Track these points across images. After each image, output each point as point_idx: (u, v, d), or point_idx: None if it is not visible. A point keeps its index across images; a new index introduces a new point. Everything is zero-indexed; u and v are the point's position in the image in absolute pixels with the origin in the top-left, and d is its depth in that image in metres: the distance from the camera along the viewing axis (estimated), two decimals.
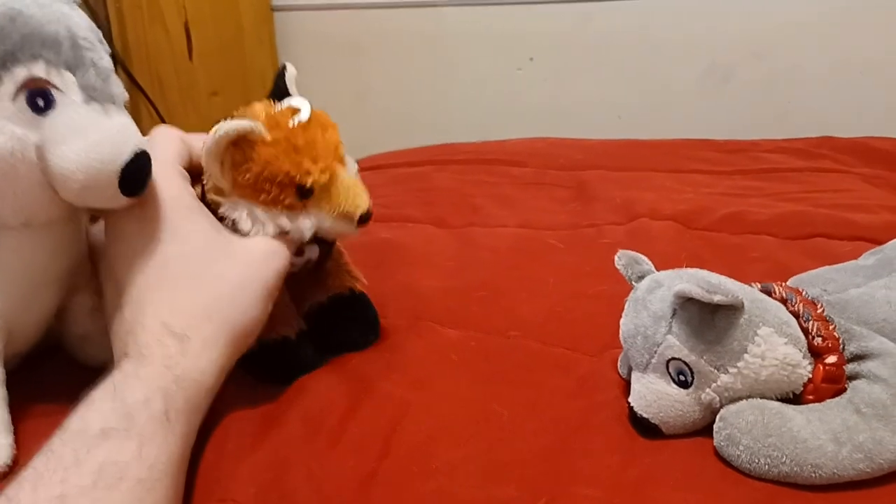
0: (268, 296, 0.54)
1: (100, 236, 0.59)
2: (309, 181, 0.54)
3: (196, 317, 0.51)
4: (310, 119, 0.55)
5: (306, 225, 0.56)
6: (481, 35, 1.95)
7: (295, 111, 0.56)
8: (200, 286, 0.52)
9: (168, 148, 0.56)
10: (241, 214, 0.55)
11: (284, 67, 0.60)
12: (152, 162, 0.54)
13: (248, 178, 0.53)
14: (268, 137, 0.53)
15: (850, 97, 1.69)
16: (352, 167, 0.59)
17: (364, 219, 0.56)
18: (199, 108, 1.79)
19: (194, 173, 0.57)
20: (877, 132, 1.28)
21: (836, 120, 1.59)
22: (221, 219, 0.56)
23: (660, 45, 1.81)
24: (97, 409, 0.45)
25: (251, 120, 0.53)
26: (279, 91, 0.59)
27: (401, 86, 2.05)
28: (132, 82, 1.68)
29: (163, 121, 1.73)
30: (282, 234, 0.56)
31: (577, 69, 1.90)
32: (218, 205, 0.56)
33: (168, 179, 0.54)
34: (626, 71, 1.86)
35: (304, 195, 0.55)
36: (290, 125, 0.54)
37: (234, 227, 0.56)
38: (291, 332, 0.60)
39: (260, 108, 0.56)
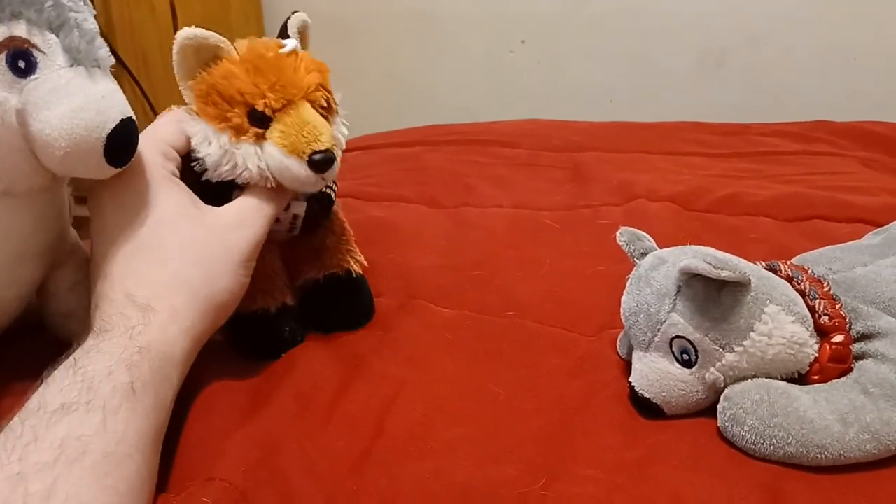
0: (241, 265, 0.53)
1: None
2: (261, 104, 0.52)
3: (163, 286, 0.50)
4: (290, 54, 0.54)
5: (250, 151, 0.53)
6: (473, 17, 1.93)
7: (280, 46, 0.54)
8: (169, 256, 0.51)
9: (164, 128, 0.55)
10: (195, 127, 0.54)
11: (294, 13, 0.59)
12: (143, 137, 0.53)
13: (202, 87, 0.53)
14: (235, 56, 0.53)
15: (843, 82, 1.69)
16: (339, 128, 0.58)
17: (317, 160, 0.52)
18: None
19: None
20: (870, 117, 1.28)
21: (830, 105, 1.59)
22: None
23: (653, 29, 1.79)
24: (56, 385, 0.43)
25: (219, 35, 0.53)
26: (281, 33, 0.58)
27: (391, 67, 2.04)
28: (116, 60, 1.65)
29: (147, 99, 1.70)
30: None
31: (569, 52, 1.89)
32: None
33: (146, 152, 0.53)
34: (618, 54, 1.85)
35: (257, 121, 0.53)
36: (267, 54, 0.53)
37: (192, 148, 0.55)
38: (272, 304, 0.58)
39: (249, 39, 0.55)
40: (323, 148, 0.52)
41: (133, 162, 0.52)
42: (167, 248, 0.51)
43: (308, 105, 0.54)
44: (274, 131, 0.53)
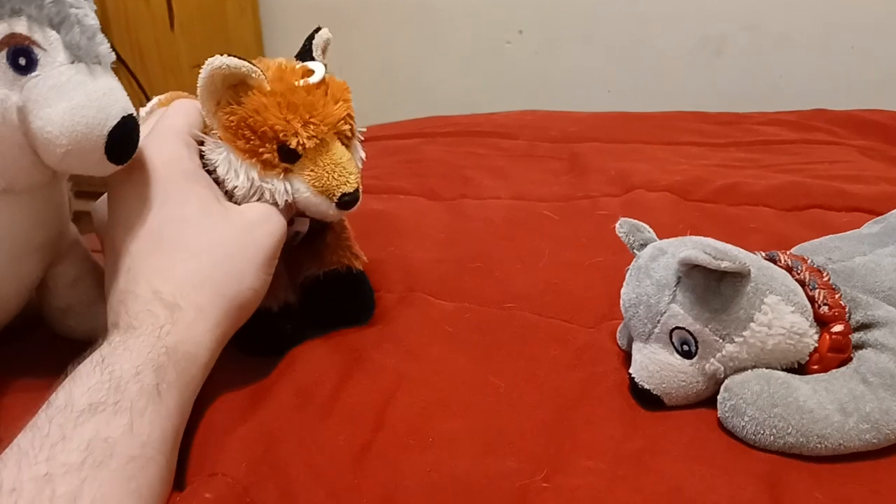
0: (265, 263, 0.52)
1: (101, 210, 0.57)
2: (294, 142, 0.52)
3: (189, 284, 0.49)
4: (320, 84, 0.53)
5: (279, 188, 0.53)
6: (470, 7, 1.93)
7: (308, 72, 0.54)
8: (194, 253, 0.50)
9: (179, 118, 0.55)
10: (220, 156, 0.54)
11: (317, 30, 0.58)
12: (162, 128, 0.53)
13: (231, 119, 0.52)
14: (266, 87, 0.52)
15: (841, 70, 1.69)
16: (358, 153, 0.58)
17: (346, 201, 0.54)
18: (180, 80, 1.75)
19: None
20: (867, 105, 1.28)
21: (827, 93, 1.59)
22: (205, 165, 0.54)
23: (650, 18, 1.79)
24: (84, 382, 0.43)
25: (251, 64, 0.51)
26: (304, 52, 0.57)
27: (388, 58, 2.03)
28: None
29: (143, 92, 1.69)
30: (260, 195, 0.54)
31: (567, 42, 1.88)
32: (201, 143, 0.55)
33: (169, 144, 0.53)
34: (616, 44, 1.84)
35: (287, 157, 0.53)
36: (296, 83, 0.52)
37: (214, 172, 0.54)
38: (274, 303, 0.58)
39: (274, 61, 0.54)
40: (352, 190, 0.54)
41: (159, 155, 0.52)
42: (194, 245, 0.50)
43: (338, 142, 0.54)
44: (303, 168, 0.53)
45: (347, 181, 0.53)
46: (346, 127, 0.54)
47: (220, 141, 0.54)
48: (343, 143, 0.55)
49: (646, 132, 1.19)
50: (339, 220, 0.64)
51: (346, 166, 0.54)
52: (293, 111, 0.52)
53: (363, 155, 0.59)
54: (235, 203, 0.54)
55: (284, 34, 2.08)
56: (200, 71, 0.50)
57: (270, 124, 0.51)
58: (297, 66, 0.54)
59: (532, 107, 1.42)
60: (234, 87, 0.52)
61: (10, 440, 0.41)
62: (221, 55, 0.50)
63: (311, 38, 0.57)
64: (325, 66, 0.55)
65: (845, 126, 1.17)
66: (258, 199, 0.54)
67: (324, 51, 0.57)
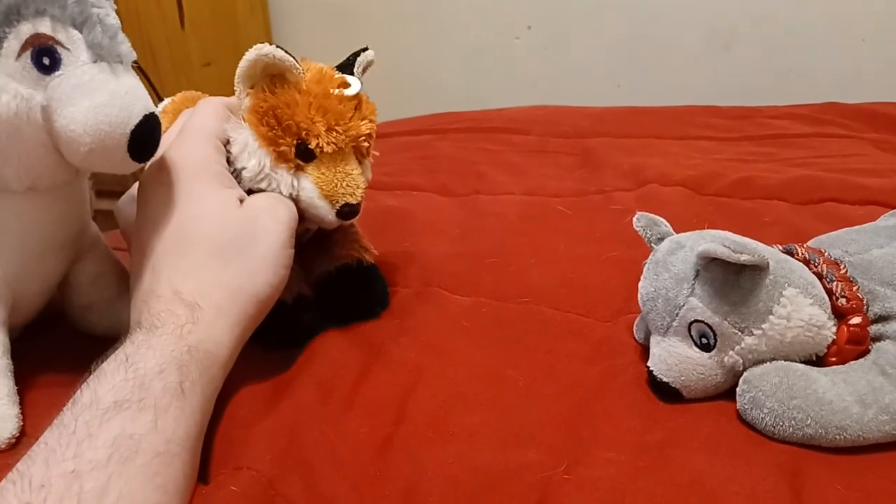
0: (281, 252, 0.53)
1: (125, 209, 0.58)
2: (313, 143, 0.53)
3: (208, 284, 0.50)
4: (353, 98, 0.55)
5: (286, 180, 0.55)
6: (478, 3, 1.93)
7: (345, 84, 0.56)
8: (212, 252, 0.51)
9: (209, 118, 0.56)
10: (238, 136, 0.55)
11: (364, 49, 0.60)
12: (192, 129, 0.54)
13: (262, 106, 0.54)
14: (303, 85, 0.54)
15: (852, 63, 1.68)
16: (367, 172, 0.59)
17: (346, 211, 0.56)
18: (192, 79, 1.76)
19: None
20: (880, 98, 1.27)
21: (839, 86, 1.58)
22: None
23: (659, 12, 1.79)
24: (108, 380, 0.44)
25: (295, 61, 0.53)
26: (346, 66, 0.59)
27: (396, 55, 2.03)
28: None
29: (155, 92, 1.70)
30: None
31: (576, 37, 1.88)
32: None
33: (197, 145, 0.54)
34: (624, 38, 1.84)
35: (303, 155, 0.55)
36: (332, 91, 0.54)
37: (228, 147, 0.56)
38: (288, 296, 0.59)
39: (315, 65, 0.56)
40: (355, 202, 0.56)
41: (185, 155, 0.53)
42: (212, 244, 0.51)
43: (353, 154, 0.56)
44: (315, 170, 0.55)
45: (353, 192, 0.56)
46: (366, 144, 0.57)
47: (242, 122, 0.55)
48: (357, 159, 0.57)
49: (658, 126, 1.19)
50: None
51: (356, 178, 0.56)
52: (321, 114, 0.53)
53: (370, 176, 0.60)
54: (240, 184, 0.55)
55: (294, 33, 2.09)
56: (246, 52, 0.52)
57: (297, 120, 0.53)
58: (336, 76, 0.56)
59: (541, 102, 1.41)
60: (272, 77, 0.54)
61: (36, 435, 0.42)
62: (271, 44, 0.52)
63: (356, 54, 0.59)
64: (362, 83, 0.57)
65: (857, 119, 1.17)
66: (264, 186, 0.55)
67: (364, 70, 0.59)
